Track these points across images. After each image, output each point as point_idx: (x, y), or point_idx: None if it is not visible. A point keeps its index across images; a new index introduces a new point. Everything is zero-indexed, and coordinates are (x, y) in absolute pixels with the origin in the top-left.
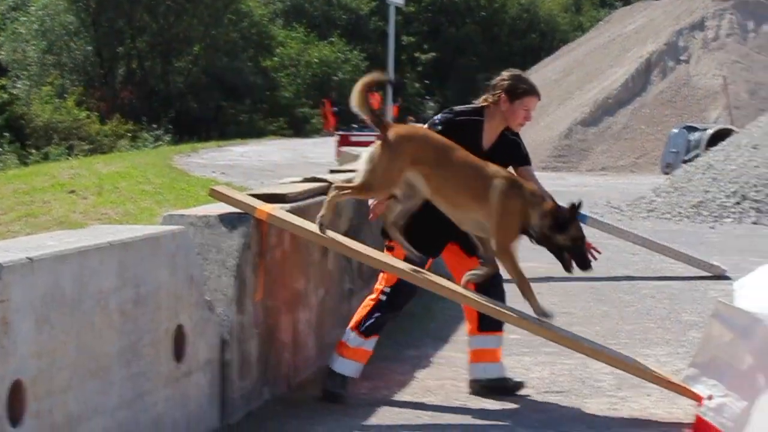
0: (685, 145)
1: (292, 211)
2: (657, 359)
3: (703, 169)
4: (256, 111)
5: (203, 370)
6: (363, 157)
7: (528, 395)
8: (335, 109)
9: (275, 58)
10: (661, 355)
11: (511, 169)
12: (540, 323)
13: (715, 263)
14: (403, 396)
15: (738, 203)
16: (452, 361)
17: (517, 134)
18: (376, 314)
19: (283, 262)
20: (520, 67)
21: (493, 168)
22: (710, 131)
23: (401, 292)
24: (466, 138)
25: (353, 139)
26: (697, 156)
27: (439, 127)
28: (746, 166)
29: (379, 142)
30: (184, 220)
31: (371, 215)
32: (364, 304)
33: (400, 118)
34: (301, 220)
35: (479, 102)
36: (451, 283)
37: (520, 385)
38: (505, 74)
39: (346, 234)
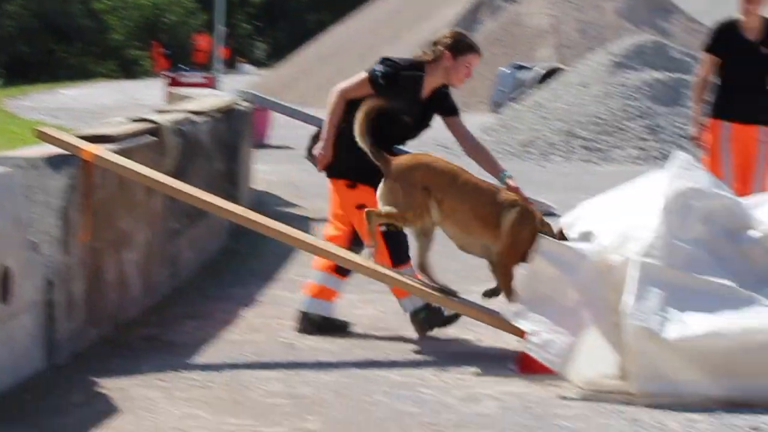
0: (514, 84)
1: (118, 151)
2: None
3: (532, 107)
4: (87, 54)
5: (29, 312)
6: (378, 198)
7: (355, 332)
8: (165, 51)
9: (106, 1)
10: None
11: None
12: (366, 265)
13: (543, 201)
14: (228, 334)
15: (566, 141)
16: (278, 299)
17: (447, 86)
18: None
19: (108, 203)
20: (351, 7)
21: (503, 194)
22: (541, 70)
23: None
24: (407, 92)
25: (182, 80)
26: (524, 94)
27: (382, 82)
28: (575, 104)
29: (385, 180)
30: (10, 162)
31: (319, 166)
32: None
33: (231, 60)
34: (126, 160)
35: (419, 57)
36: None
37: (346, 324)
38: (447, 32)
39: (172, 175)
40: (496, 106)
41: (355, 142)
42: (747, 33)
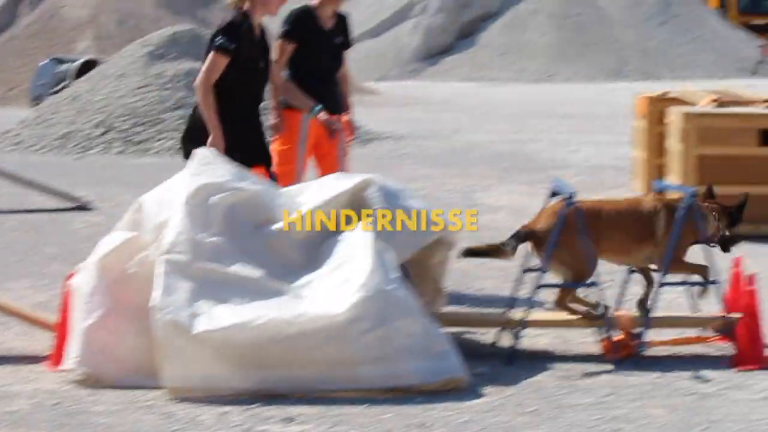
0: (53, 77)
1: None
2: (17, 293)
3: (69, 100)
4: None
5: None
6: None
7: None
8: None
9: None
10: (22, 288)
11: None
12: None
13: (79, 195)
14: None
15: (104, 133)
16: None
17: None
18: None
19: None
20: None
21: (644, 202)
22: (78, 62)
23: None
24: (250, 40)
25: None
26: (65, 87)
27: (231, 46)
28: (112, 96)
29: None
30: None
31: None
32: None
33: None
34: None
35: (235, 5)
36: None
37: None
38: None
39: None
40: (36, 99)
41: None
42: (322, 22)
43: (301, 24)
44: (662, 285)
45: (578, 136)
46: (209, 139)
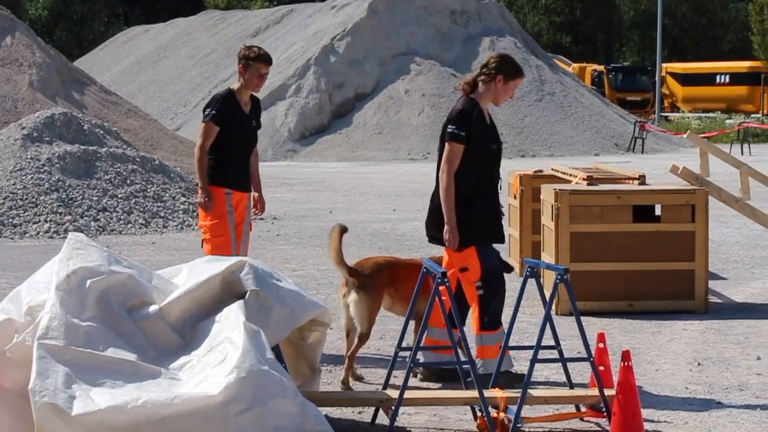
0: None
1: None
2: None
3: None
4: None
5: None
6: None
7: None
8: None
9: None
10: None
11: None
12: None
13: None
14: None
15: None
16: None
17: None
18: (487, 308)
19: None
20: None
21: None
22: None
23: (491, 278)
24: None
25: None
26: None
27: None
28: None
29: None
30: None
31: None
32: (472, 312)
33: None
34: None
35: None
36: None
37: None
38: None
39: None
40: None
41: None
42: (243, 105)
43: (225, 107)
44: (536, 362)
45: None
46: (445, 229)
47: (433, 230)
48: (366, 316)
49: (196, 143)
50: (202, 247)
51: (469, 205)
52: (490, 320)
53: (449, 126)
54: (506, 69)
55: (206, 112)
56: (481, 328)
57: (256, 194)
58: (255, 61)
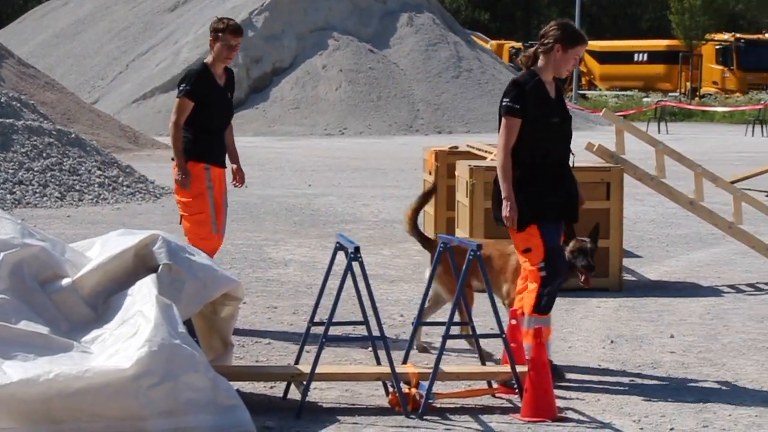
0: None
1: None
2: None
3: None
4: None
5: None
6: None
7: None
8: None
9: None
10: None
11: None
12: None
13: None
14: None
15: None
16: None
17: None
18: (547, 290)
19: None
20: None
21: None
22: None
23: (554, 259)
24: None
25: None
26: None
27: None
28: None
29: None
30: None
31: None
32: (528, 290)
33: None
34: None
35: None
36: None
37: None
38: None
39: None
40: None
41: None
42: (217, 79)
43: (200, 82)
44: (448, 338)
45: (369, 190)
46: (503, 206)
47: (497, 210)
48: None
49: (170, 119)
50: (180, 223)
51: (528, 182)
52: (546, 304)
53: (503, 99)
54: (564, 38)
55: (180, 88)
56: (534, 310)
57: (235, 166)
58: (224, 33)
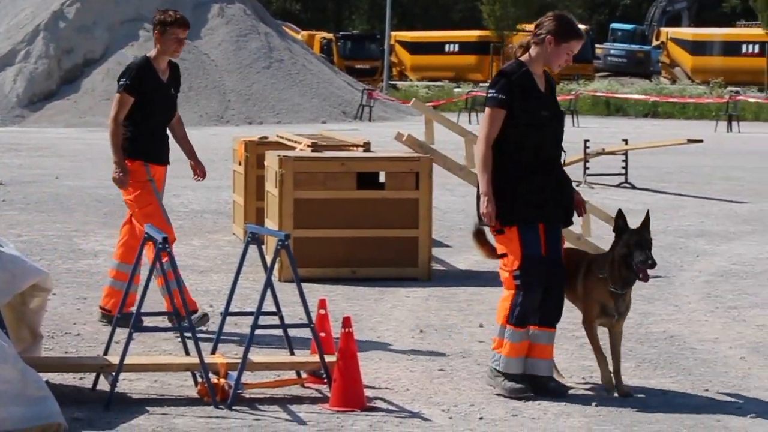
0: None
1: None
2: None
3: None
4: None
5: None
6: None
7: None
8: None
9: None
10: None
11: None
12: None
13: None
14: None
15: None
16: None
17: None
18: (520, 301)
19: None
20: None
21: None
22: None
23: (530, 268)
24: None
25: None
26: None
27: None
28: None
29: None
30: None
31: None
32: (502, 298)
33: None
34: None
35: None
36: None
37: None
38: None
39: None
40: None
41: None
42: (161, 74)
43: (141, 76)
44: (257, 328)
45: (179, 181)
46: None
47: (478, 206)
48: None
49: (110, 115)
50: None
51: (511, 179)
52: (519, 315)
53: (489, 90)
54: (558, 30)
55: (120, 82)
56: (508, 320)
57: (192, 161)
58: (172, 26)
